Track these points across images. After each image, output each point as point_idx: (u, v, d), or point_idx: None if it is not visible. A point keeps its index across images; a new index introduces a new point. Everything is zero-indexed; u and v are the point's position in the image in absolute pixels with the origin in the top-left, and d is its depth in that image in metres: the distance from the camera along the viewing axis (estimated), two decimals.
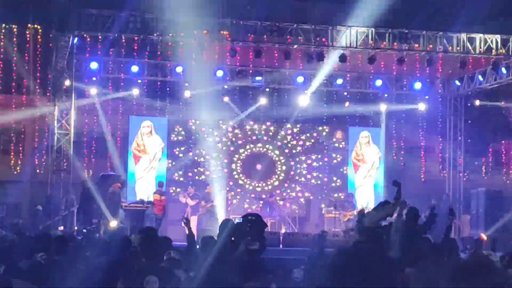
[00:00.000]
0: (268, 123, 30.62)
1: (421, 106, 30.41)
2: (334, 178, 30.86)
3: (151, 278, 6.89)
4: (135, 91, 28.51)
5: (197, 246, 11.74)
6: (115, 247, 10.06)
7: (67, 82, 25.74)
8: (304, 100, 29.21)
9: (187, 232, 11.71)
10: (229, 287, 6.63)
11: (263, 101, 29.35)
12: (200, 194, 26.86)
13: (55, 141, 25.71)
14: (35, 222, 24.83)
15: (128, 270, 7.47)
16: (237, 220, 12.15)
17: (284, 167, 30.54)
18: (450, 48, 25.83)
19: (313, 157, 30.83)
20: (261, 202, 27.73)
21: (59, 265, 9.09)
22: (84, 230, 22.23)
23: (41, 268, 9.02)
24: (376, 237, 11.34)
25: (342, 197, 28.20)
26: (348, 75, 29.69)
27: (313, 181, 30.66)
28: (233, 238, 9.44)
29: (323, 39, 25.34)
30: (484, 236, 22.86)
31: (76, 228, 24.18)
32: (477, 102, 29.56)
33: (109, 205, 23.90)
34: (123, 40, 25.73)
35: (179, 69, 27.63)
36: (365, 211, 15.07)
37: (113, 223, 21.78)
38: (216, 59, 27.28)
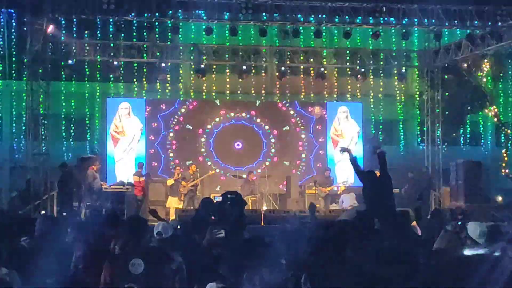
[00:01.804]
0: (245, 101, 30.57)
1: (398, 80, 30.49)
2: (314, 151, 30.85)
3: (135, 261, 6.88)
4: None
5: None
6: (99, 229, 10.02)
7: (42, 66, 25.61)
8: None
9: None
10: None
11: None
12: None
13: (32, 125, 25.58)
14: (15, 208, 24.73)
15: (113, 253, 7.47)
16: (217, 199, 12.22)
17: (263, 144, 30.50)
18: (425, 20, 25.90)
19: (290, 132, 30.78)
20: (242, 179, 27.66)
21: (42, 249, 9.06)
22: (64, 214, 22.17)
23: (24, 253, 8.97)
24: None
25: (324, 172, 28.18)
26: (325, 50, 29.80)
27: (293, 157, 30.62)
28: (213, 217, 9.50)
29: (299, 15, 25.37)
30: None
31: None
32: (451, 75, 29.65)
33: (89, 189, 24.01)
34: (98, 22, 25.59)
35: None
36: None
37: None
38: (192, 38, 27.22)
